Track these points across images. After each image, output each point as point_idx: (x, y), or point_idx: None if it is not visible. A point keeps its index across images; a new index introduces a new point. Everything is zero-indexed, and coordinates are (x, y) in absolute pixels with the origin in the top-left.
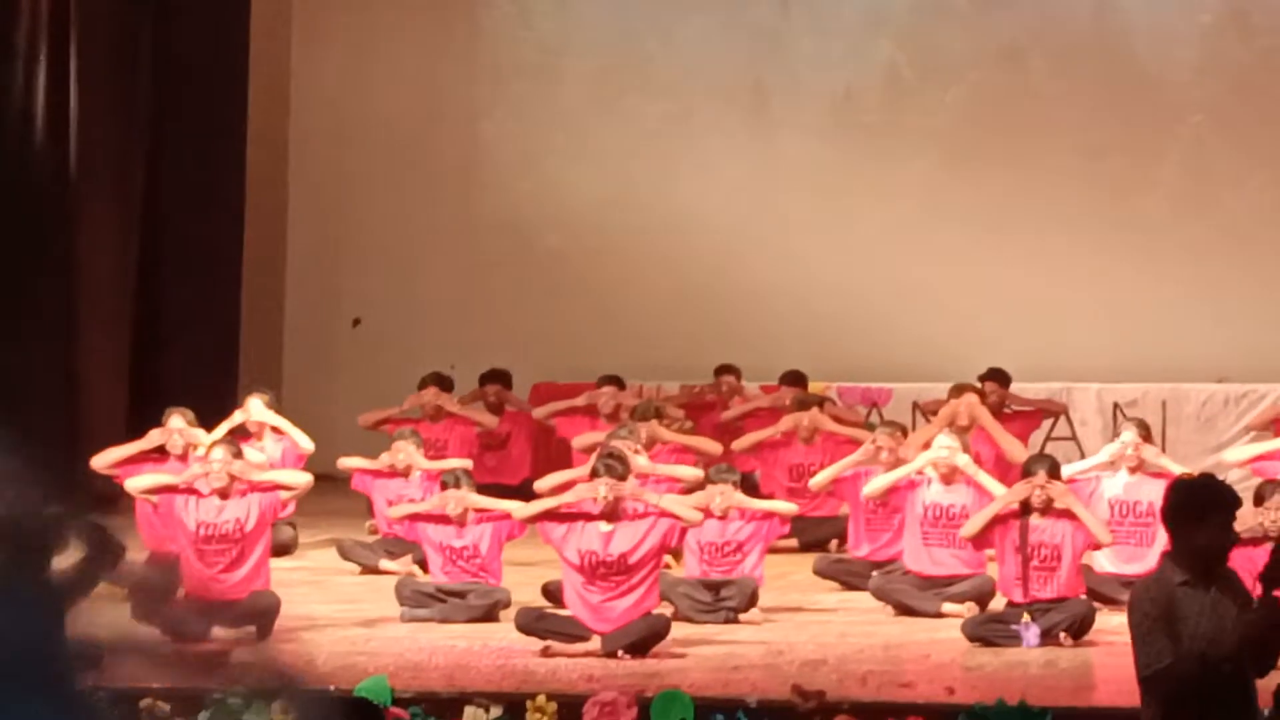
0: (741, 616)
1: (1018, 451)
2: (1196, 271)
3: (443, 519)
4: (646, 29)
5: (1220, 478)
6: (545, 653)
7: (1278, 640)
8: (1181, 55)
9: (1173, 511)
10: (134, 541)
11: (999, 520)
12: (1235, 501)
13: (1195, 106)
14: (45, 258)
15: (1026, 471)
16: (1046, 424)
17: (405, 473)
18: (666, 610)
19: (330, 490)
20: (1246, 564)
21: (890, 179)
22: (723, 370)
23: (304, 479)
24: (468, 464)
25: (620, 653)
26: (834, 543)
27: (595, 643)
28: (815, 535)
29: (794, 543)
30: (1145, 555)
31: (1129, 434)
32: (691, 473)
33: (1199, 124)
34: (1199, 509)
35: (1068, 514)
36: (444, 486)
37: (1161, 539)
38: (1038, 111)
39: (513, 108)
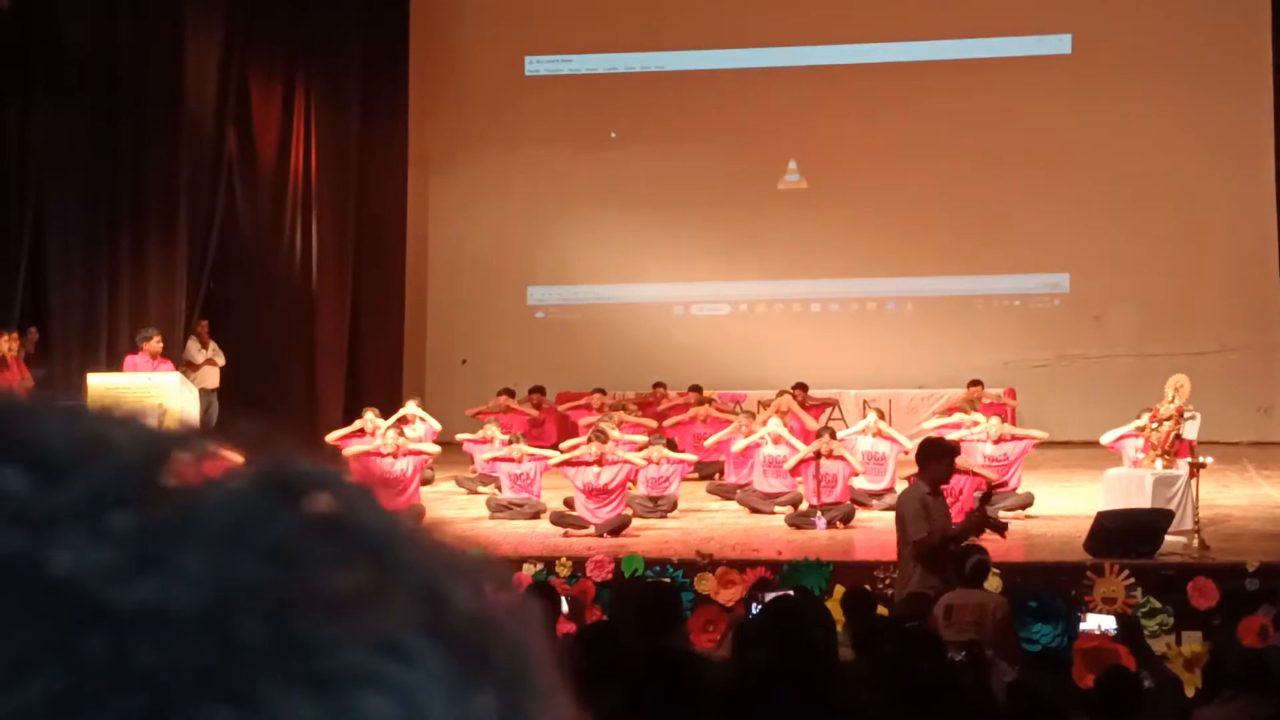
0: (669, 515)
1: (813, 425)
2: (906, 332)
3: (509, 459)
4: (601, 227)
5: (950, 438)
6: (565, 535)
7: (977, 532)
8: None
9: (923, 454)
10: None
11: (805, 461)
12: (955, 451)
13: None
14: (299, 324)
15: (819, 436)
16: (828, 410)
17: (490, 441)
18: (629, 512)
19: (451, 451)
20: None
21: (736, 303)
22: (657, 385)
23: (435, 448)
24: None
25: (605, 535)
26: (717, 475)
27: (592, 530)
28: (707, 471)
29: (696, 475)
30: (880, 480)
31: (872, 416)
32: (641, 439)
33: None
34: (936, 454)
35: (840, 457)
36: (510, 443)
37: (889, 472)
38: (834, 260)
39: (543, 247)
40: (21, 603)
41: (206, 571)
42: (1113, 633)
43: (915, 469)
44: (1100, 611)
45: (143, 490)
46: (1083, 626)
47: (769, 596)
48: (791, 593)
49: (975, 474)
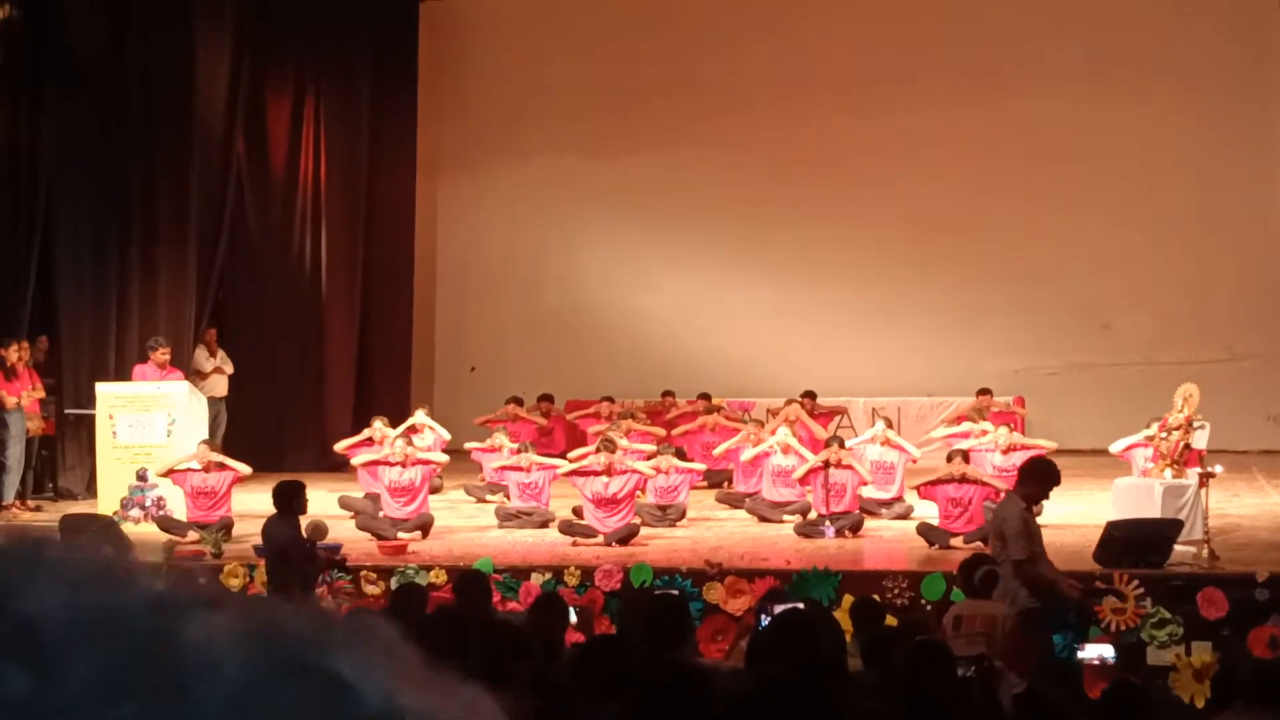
0: (677, 524)
1: (822, 434)
2: (915, 340)
3: (517, 468)
4: (610, 235)
5: (947, 447)
6: (574, 544)
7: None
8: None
9: (1031, 471)
10: (355, 487)
11: (813, 471)
12: (1058, 480)
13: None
14: (308, 333)
15: (827, 445)
16: (837, 419)
17: (499, 450)
18: (637, 521)
19: (460, 460)
20: (942, 492)
21: (744, 311)
22: (666, 393)
23: (444, 457)
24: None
25: (614, 544)
26: (726, 483)
27: (601, 539)
28: (716, 479)
29: (705, 483)
30: (889, 489)
31: (880, 425)
32: (650, 448)
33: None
34: (1043, 477)
35: (849, 467)
36: (519, 451)
37: (897, 480)
38: (842, 267)
39: (552, 255)
40: None
41: None
42: (1113, 661)
43: (926, 478)
44: (1103, 633)
45: (143, 676)
46: (1081, 655)
47: (779, 608)
48: (801, 605)
49: (984, 483)
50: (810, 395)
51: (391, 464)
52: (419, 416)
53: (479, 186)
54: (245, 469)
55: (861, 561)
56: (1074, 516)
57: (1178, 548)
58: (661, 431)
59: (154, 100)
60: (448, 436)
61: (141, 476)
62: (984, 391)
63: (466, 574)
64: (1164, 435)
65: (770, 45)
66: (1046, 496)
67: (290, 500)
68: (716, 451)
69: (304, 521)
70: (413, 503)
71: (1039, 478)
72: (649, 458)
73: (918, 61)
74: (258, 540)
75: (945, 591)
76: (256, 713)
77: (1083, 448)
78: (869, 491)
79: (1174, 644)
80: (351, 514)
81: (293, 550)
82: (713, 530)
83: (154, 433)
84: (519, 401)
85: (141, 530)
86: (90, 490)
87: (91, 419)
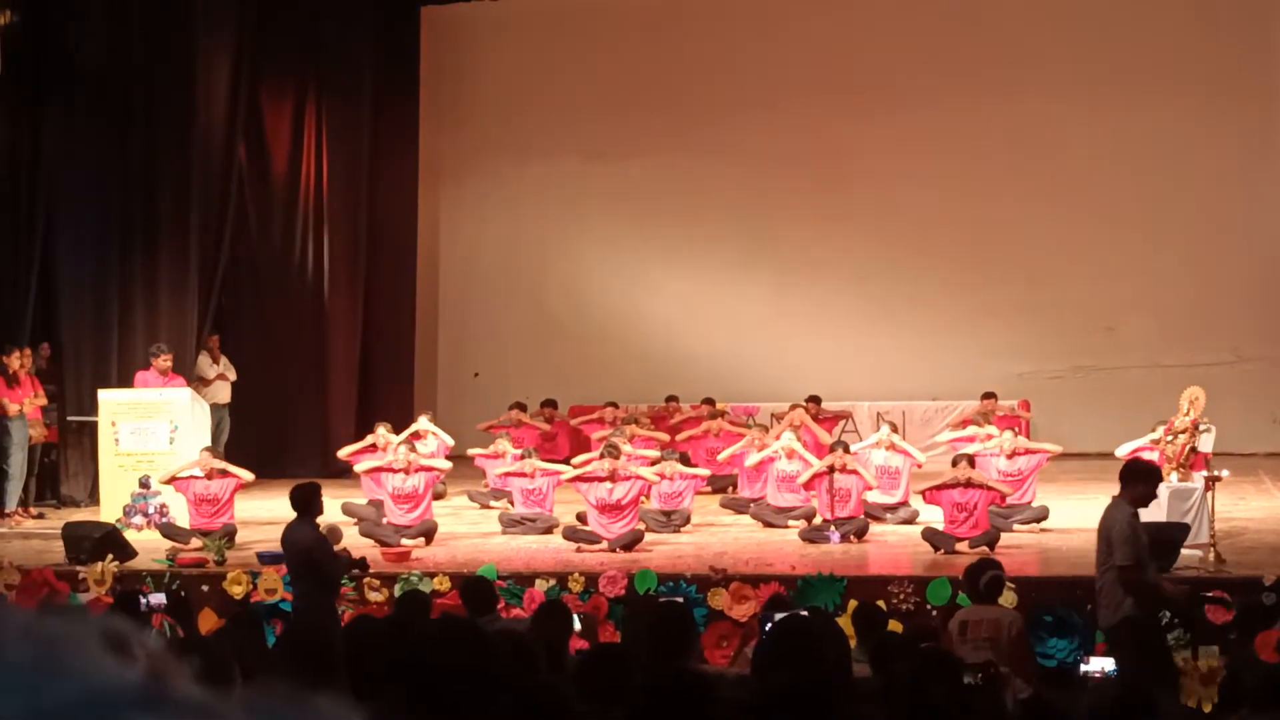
0: (681, 530)
1: (826, 439)
2: (920, 344)
3: (521, 474)
4: (613, 239)
5: (952, 451)
6: (578, 550)
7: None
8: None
9: (1128, 474)
10: (358, 493)
11: (818, 476)
12: (1159, 476)
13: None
14: (311, 339)
15: (832, 449)
16: (842, 423)
17: (502, 456)
18: (642, 526)
19: (463, 465)
20: (947, 497)
21: (748, 314)
22: (670, 398)
23: (447, 464)
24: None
25: (618, 550)
26: (730, 488)
27: (605, 545)
28: (720, 485)
29: (709, 489)
30: (894, 493)
31: (885, 429)
32: (654, 453)
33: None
34: (1141, 476)
35: (854, 471)
36: (522, 457)
37: (902, 485)
38: (846, 270)
39: (554, 259)
40: None
41: None
42: (1115, 674)
43: (931, 483)
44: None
45: None
46: (1084, 669)
47: (782, 615)
48: (805, 613)
49: (990, 488)
50: (815, 400)
51: (395, 470)
52: (422, 422)
53: (481, 191)
54: (248, 476)
55: (867, 567)
56: (1080, 520)
57: (1184, 551)
58: (665, 437)
59: (155, 107)
60: (451, 442)
61: (144, 484)
62: (989, 395)
63: (470, 581)
64: (1170, 439)
65: (771, 47)
66: (1152, 495)
67: (309, 502)
68: (721, 457)
69: (320, 523)
70: (416, 509)
71: (1143, 479)
72: (653, 463)
73: (921, 64)
74: (260, 547)
75: (951, 597)
76: None
77: (1088, 451)
78: (874, 496)
79: (1180, 648)
80: (355, 520)
81: (318, 551)
82: (717, 536)
83: (157, 440)
84: (522, 407)
85: (144, 537)
86: (93, 497)
87: (94, 426)
